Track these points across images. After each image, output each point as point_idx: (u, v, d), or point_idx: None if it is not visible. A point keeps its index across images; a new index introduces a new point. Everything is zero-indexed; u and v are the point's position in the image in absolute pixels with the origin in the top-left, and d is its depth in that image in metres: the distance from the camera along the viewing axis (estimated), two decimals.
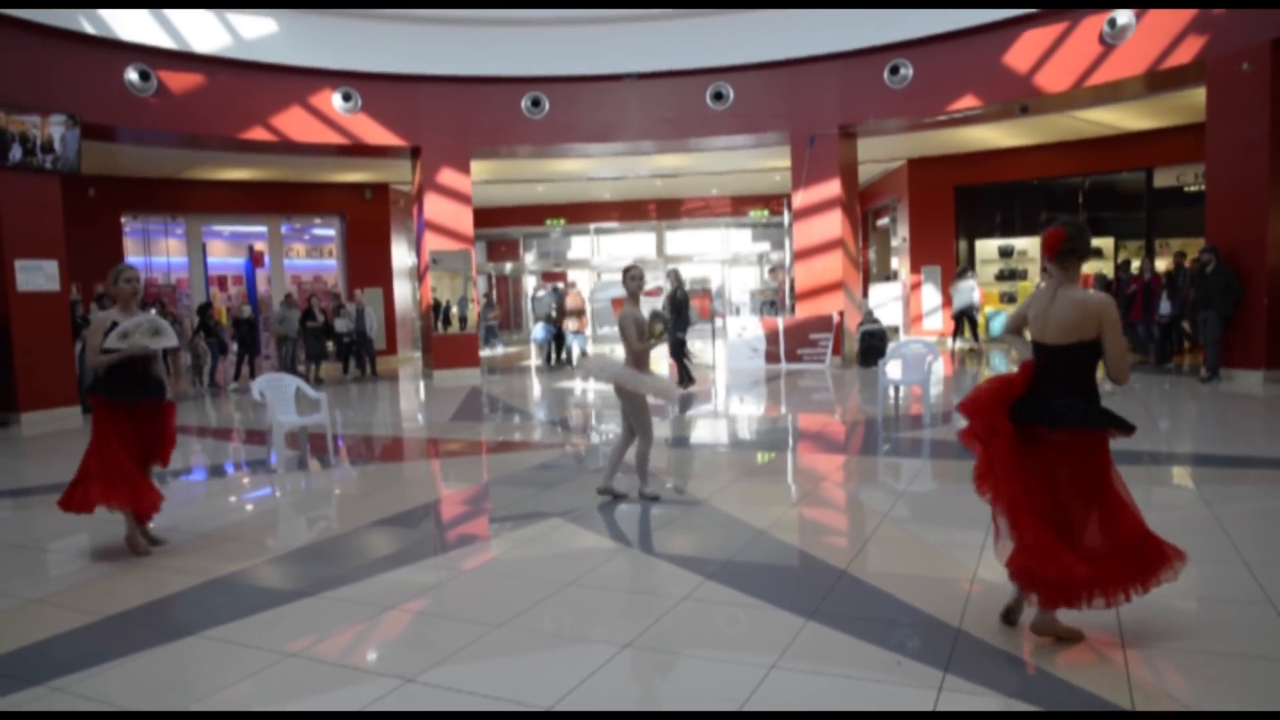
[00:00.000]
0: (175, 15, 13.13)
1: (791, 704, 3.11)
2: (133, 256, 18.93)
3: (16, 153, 11.45)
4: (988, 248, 19.43)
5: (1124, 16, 12.31)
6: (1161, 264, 15.92)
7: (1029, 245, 18.88)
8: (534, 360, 19.55)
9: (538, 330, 18.80)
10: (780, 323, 16.21)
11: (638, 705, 3.23)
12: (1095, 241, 17.73)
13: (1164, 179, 17.52)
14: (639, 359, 6.04)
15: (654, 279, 21.10)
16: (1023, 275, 18.61)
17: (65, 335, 12.29)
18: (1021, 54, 13.54)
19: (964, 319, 16.80)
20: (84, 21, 12.19)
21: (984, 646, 3.49)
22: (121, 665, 3.65)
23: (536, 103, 15.82)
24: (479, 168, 17.26)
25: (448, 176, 16.01)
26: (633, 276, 6.09)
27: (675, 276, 14.19)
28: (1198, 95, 12.45)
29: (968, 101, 14.30)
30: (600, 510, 6.01)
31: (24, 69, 11.60)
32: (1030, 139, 17.70)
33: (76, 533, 5.84)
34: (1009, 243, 19.20)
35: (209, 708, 3.24)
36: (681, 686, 3.39)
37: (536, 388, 15.04)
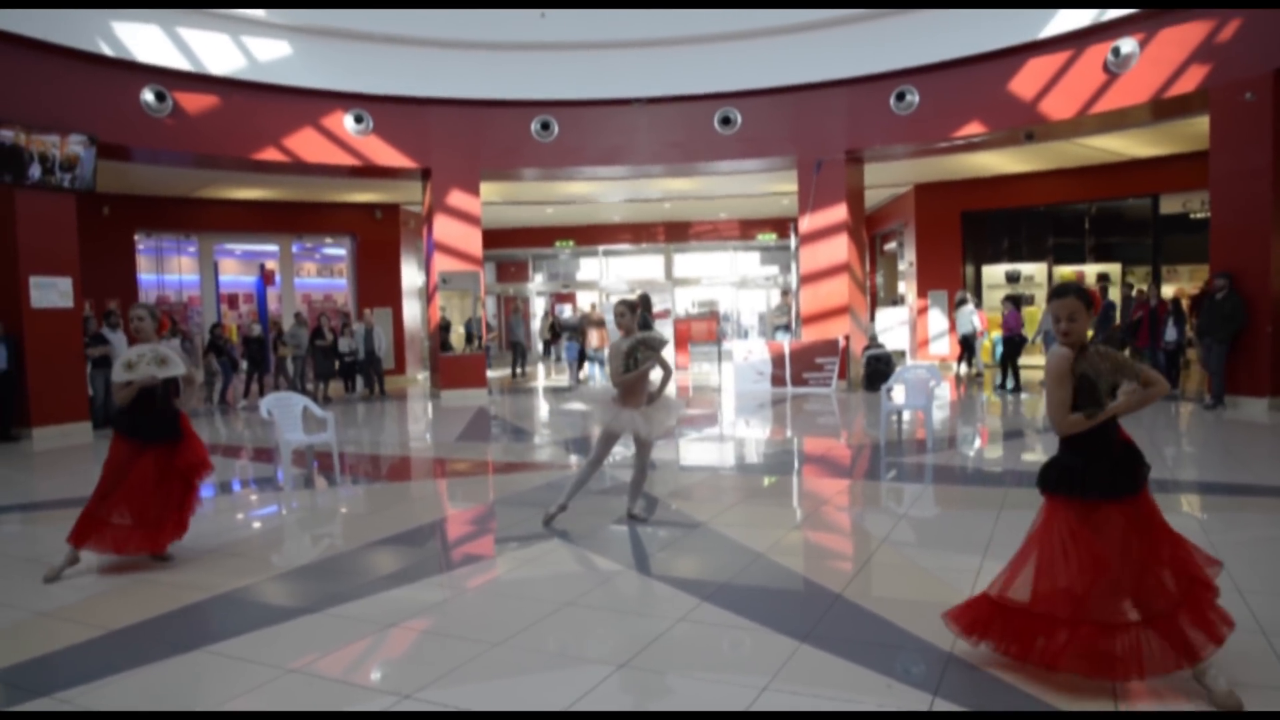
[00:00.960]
0: (191, 37, 13.35)
1: None
2: (145, 274, 19.14)
3: (35, 171, 11.63)
4: (994, 273, 19.50)
5: (1128, 45, 12.42)
6: (1168, 290, 15.97)
7: (1035, 270, 18.95)
8: (547, 379, 19.66)
9: (568, 349, 19.09)
10: (786, 346, 16.27)
11: None
12: (1102, 267, 17.93)
13: (1170, 205, 17.60)
14: (625, 390, 6.01)
15: (662, 302, 21.22)
16: (1029, 301, 18.65)
17: (77, 351, 12.44)
18: (1026, 81, 13.65)
19: (967, 345, 16.84)
20: (102, 43, 12.41)
21: (975, 672, 3.53)
22: (126, 678, 3.72)
23: (546, 126, 15.99)
24: (488, 189, 17.42)
25: (457, 198, 16.17)
26: (619, 312, 6.09)
27: (643, 301, 14.42)
28: (1202, 123, 12.54)
29: (973, 128, 14.41)
30: (601, 532, 6.07)
31: (44, 90, 11.81)
32: (1037, 165, 17.81)
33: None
34: (1015, 268, 19.27)
35: None
36: (673, 707, 3.44)
37: (544, 408, 15.11)
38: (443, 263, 16.34)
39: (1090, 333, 3.47)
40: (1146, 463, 3.43)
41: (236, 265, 22.41)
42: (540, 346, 27.47)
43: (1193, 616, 3.24)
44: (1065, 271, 18.54)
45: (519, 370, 21.11)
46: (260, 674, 3.71)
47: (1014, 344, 14.98)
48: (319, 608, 4.58)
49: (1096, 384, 3.35)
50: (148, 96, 13.06)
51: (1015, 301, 15.50)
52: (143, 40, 12.91)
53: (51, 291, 12.15)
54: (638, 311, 6.13)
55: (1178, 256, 18.18)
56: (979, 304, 17.60)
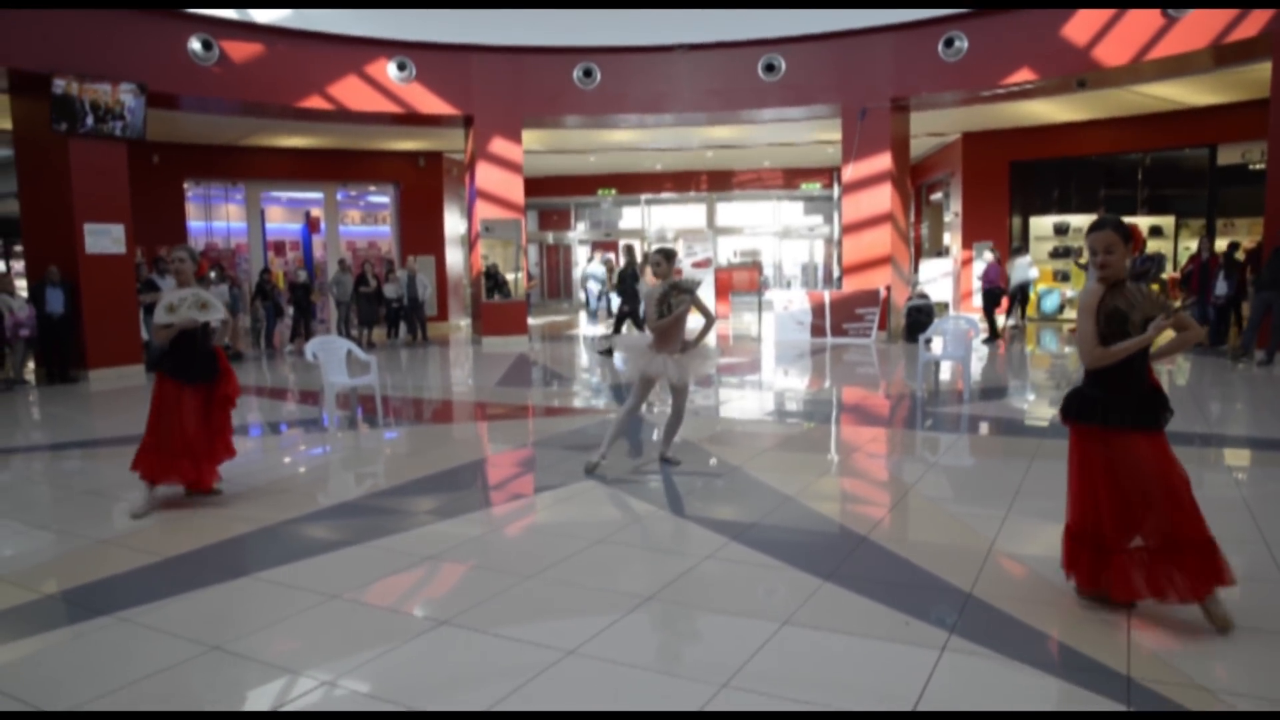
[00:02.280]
0: None
1: (797, 656, 3.27)
2: (194, 221, 19.51)
3: (89, 120, 11.88)
4: (1043, 224, 19.16)
5: None
6: (1221, 243, 15.60)
7: (1085, 222, 18.53)
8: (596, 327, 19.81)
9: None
10: (826, 296, 16.21)
11: (654, 656, 3.41)
12: (1156, 220, 17.54)
13: (1228, 156, 17.12)
14: (660, 335, 6.04)
15: (704, 251, 21.17)
16: (1078, 253, 18.32)
17: (130, 296, 12.80)
18: (1080, 27, 13.30)
19: (1017, 296, 16.70)
20: None
21: (993, 611, 3.60)
22: (181, 600, 3.94)
23: (588, 73, 15.92)
24: (530, 137, 17.43)
25: (500, 146, 16.22)
26: (655, 261, 6.12)
27: (629, 252, 15.16)
28: (1264, 70, 12.14)
29: (1024, 75, 14.10)
30: (636, 475, 6.21)
31: (96, 39, 12.01)
32: (1089, 114, 17.39)
33: (139, 483, 6.19)
34: (1065, 220, 18.90)
35: (260, 642, 3.50)
36: (695, 638, 3.58)
37: (582, 355, 15.27)
38: (485, 210, 16.45)
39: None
40: (1170, 407, 3.45)
41: (282, 212, 22.72)
42: (596, 299, 25.47)
43: (1199, 558, 3.31)
44: None
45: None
46: (306, 599, 3.90)
47: (993, 295, 15.47)
48: (361, 540, 4.77)
49: (1129, 315, 3.36)
50: (195, 45, 13.22)
51: (995, 254, 16.15)
52: None
53: (105, 238, 12.48)
54: (674, 259, 6.17)
55: (1235, 209, 17.69)
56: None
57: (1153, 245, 16.39)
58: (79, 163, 12.06)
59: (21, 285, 13.05)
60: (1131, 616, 3.48)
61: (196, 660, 3.34)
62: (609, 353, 13.67)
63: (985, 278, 15.65)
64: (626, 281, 14.48)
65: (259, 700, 3.10)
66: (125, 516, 5.34)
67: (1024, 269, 16.48)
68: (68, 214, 12.14)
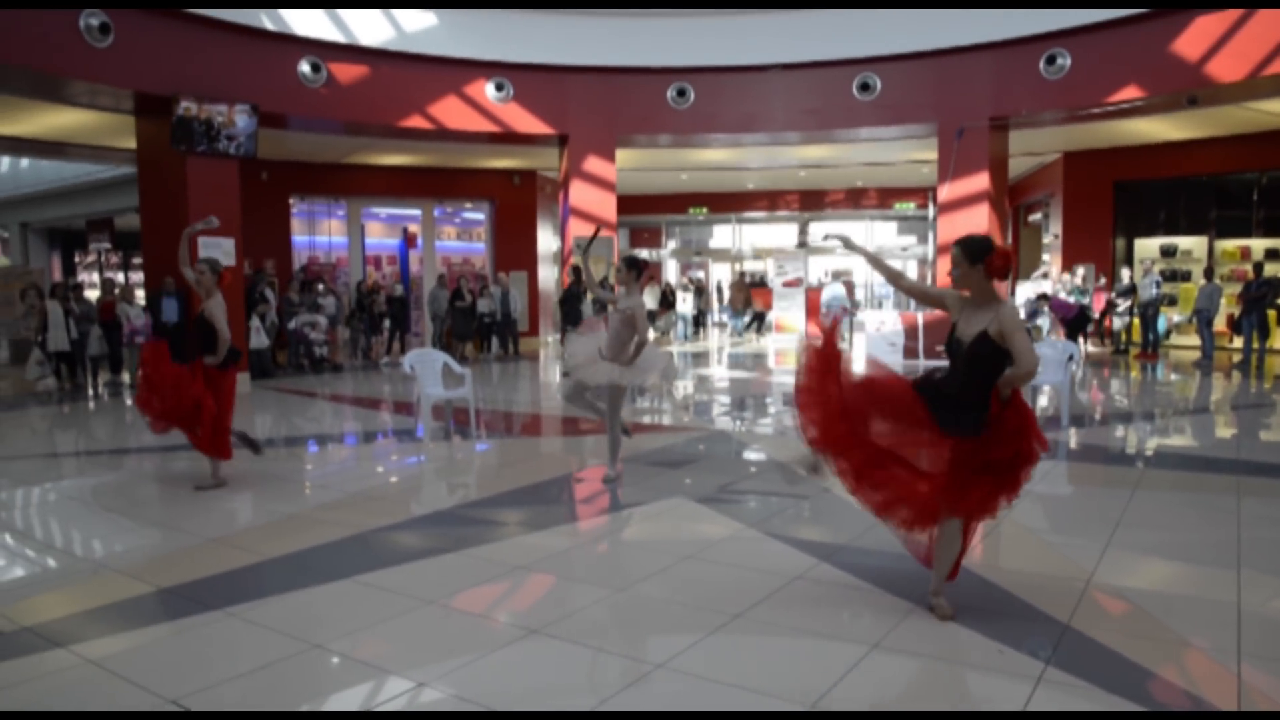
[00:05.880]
0: (344, 10, 13.99)
1: (886, 682, 3.23)
2: (298, 236, 20.26)
3: (204, 139, 12.48)
4: (1148, 246, 18.46)
5: None
6: None
7: (1194, 245, 17.85)
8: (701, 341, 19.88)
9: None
10: (920, 319, 15.93)
11: (742, 673, 3.40)
12: (1271, 242, 16.73)
13: None
14: (617, 347, 6.22)
15: (795, 270, 21.10)
16: (1185, 276, 17.63)
17: (239, 306, 13.34)
18: (1191, 41, 12.83)
19: (1152, 314, 16.24)
20: (265, 19, 13.15)
21: (1091, 644, 3.49)
22: (285, 599, 4.10)
23: (682, 93, 16.03)
24: (624, 156, 17.62)
25: (593, 164, 16.44)
26: (618, 269, 6.54)
27: (576, 272, 15.52)
28: None
29: (1130, 92, 13.65)
30: (724, 493, 6.20)
31: (214, 64, 12.62)
32: (1199, 131, 16.72)
33: (243, 486, 6.47)
34: (1172, 241, 18.19)
35: (357, 643, 3.62)
36: (783, 658, 3.55)
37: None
38: (578, 228, 16.67)
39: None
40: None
41: (381, 228, 23.38)
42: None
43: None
44: (1228, 246, 17.41)
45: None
46: (402, 603, 4.02)
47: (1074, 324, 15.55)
48: (454, 548, 4.88)
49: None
50: (304, 68, 13.77)
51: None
52: (301, 15, 13.60)
53: (216, 251, 13.01)
54: (638, 268, 6.31)
55: None
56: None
57: (1270, 269, 15.58)
58: (195, 179, 12.68)
59: (140, 295, 13.75)
60: (1243, 659, 3.33)
61: (298, 657, 3.47)
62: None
63: (1063, 307, 15.46)
64: (570, 302, 14.80)
65: (353, 700, 3.21)
66: (232, 517, 5.58)
67: (1150, 285, 15.95)
68: (183, 228, 12.71)
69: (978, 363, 3.62)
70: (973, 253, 3.72)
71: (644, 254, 28.56)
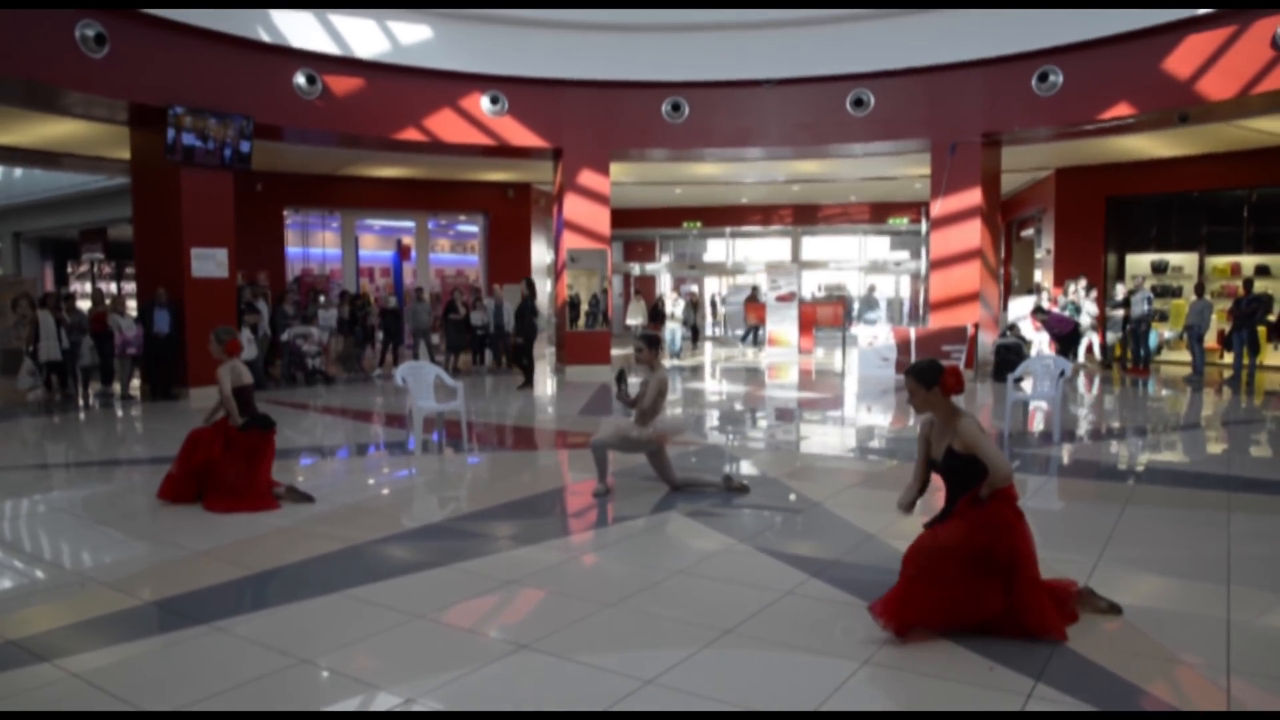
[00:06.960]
0: (340, 22, 14.01)
1: (877, 699, 3.22)
2: (292, 247, 20.27)
3: (199, 151, 12.47)
4: (1139, 262, 18.55)
5: None
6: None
7: (1185, 261, 17.94)
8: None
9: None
10: (912, 333, 15.97)
11: (732, 690, 3.39)
12: (1261, 259, 16.84)
13: None
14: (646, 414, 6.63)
15: (788, 284, 21.11)
16: (1176, 292, 17.70)
17: (232, 318, 13.31)
18: (1182, 60, 12.92)
19: (1144, 330, 16.33)
20: (261, 31, 13.17)
21: (1082, 660, 3.49)
22: (274, 613, 4.08)
23: (676, 107, 16.08)
24: (618, 169, 17.66)
25: (587, 177, 16.47)
26: (637, 347, 6.86)
27: (528, 285, 15.68)
28: None
29: (1122, 109, 13.74)
30: (717, 509, 6.20)
31: (208, 75, 12.63)
32: (1190, 148, 16.83)
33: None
34: (1163, 257, 18.28)
35: (347, 658, 3.60)
36: (771, 674, 3.54)
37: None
38: (571, 241, 16.69)
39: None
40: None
41: (375, 240, 23.40)
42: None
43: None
44: (1219, 262, 17.50)
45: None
46: (391, 618, 4.00)
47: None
48: (444, 562, 4.86)
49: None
50: (300, 80, 13.78)
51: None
52: (297, 27, 13.62)
53: (210, 262, 13.05)
54: (657, 347, 6.80)
55: None
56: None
57: (1260, 285, 15.66)
58: (189, 190, 12.67)
59: (132, 306, 13.71)
60: (1232, 676, 3.33)
61: (287, 672, 3.45)
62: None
63: (1060, 322, 15.53)
64: (525, 315, 15.00)
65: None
66: (220, 530, 5.55)
67: (1142, 302, 16.05)
68: (176, 239, 12.74)
69: (954, 476, 3.95)
70: (927, 379, 4.00)
71: (636, 269, 28.63)
